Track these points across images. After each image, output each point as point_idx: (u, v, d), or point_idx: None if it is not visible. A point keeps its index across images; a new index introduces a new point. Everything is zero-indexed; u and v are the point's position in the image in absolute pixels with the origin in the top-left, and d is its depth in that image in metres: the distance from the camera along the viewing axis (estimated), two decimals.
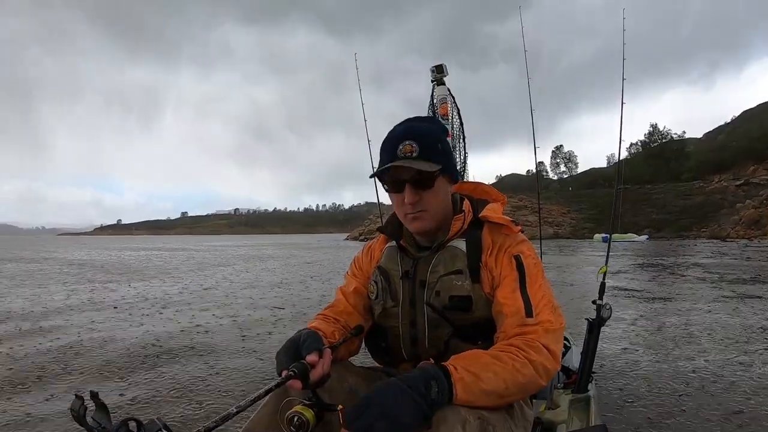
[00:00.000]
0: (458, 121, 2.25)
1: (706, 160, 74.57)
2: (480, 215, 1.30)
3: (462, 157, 2.24)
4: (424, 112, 2.32)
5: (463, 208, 1.32)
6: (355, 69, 3.04)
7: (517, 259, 1.22)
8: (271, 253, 24.50)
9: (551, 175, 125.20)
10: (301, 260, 18.31)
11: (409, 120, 1.32)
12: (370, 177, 1.29)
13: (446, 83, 2.27)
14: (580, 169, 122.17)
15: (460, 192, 1.38)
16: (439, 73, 2.24)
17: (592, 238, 45.59)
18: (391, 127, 1.30)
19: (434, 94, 2.27)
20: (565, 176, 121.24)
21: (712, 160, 72.39)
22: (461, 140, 2.24)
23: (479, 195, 1.41)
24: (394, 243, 1.38)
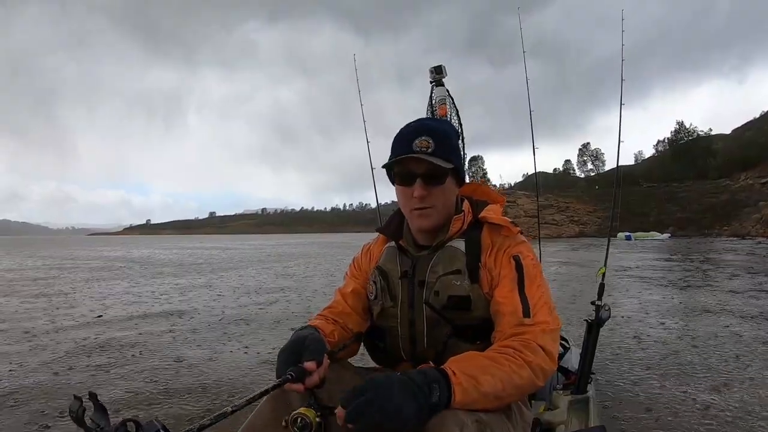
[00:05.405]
0: (457, 122, 2.25)
1: (732, 158, 71.63)
2: (479, 216, 1.31)
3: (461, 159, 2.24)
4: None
5: (463, 209, 1.32)
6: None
7: (516, 259, 1.22)
8: (321, 251, 25.06)
9: (578, 173, 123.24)
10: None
11: (422, 119, 1.32)
12: (382, 167, 1.29)
13: (445, 84, 2.28)
14: (607, 167, 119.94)
15: (459, 193, 1.37)
16: (438, 74, 2.24)
17: (615, 236, 45.09)
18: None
19: (433, 95, 2.27)
20: (592, 174, 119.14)
21: (739, 157, 69.56)
22: (460, 141, 2.24)
23: (479, 196, 1.41)
24: (393, 243, 1.39)
